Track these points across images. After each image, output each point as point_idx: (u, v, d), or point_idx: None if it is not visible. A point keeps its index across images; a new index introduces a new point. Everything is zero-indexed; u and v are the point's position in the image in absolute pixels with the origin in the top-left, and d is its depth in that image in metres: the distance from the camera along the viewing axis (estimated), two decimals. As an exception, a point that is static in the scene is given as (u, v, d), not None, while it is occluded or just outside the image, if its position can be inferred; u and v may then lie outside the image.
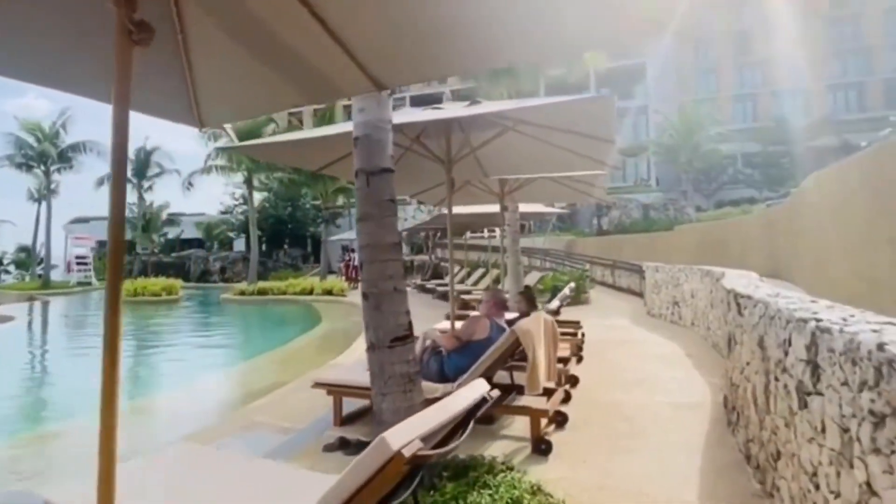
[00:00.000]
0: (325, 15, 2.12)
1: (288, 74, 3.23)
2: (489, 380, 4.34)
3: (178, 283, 22.02)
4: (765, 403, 2.92)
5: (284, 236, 40.10)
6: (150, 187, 31.56)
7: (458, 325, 4.85)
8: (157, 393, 6.89)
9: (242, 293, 19.94)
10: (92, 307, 21.46)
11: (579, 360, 6.77)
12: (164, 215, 40.28)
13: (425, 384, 4.10)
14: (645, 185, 37.57)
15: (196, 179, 30.49)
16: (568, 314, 11.44)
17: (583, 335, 8.03)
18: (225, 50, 3.14)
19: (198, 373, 8.23)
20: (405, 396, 3.24)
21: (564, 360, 5.61)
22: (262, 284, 20.26)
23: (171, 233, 43.47)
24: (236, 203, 38.84)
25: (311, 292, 19.12)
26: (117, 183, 1.60)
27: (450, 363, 4.17)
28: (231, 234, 40.31)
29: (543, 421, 3.91)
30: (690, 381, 5.86)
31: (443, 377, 4.16)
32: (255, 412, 5.02)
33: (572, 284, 8.53)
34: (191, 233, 42.05)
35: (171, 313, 17.86)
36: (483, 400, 1.97)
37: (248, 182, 22.81)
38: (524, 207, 12.03)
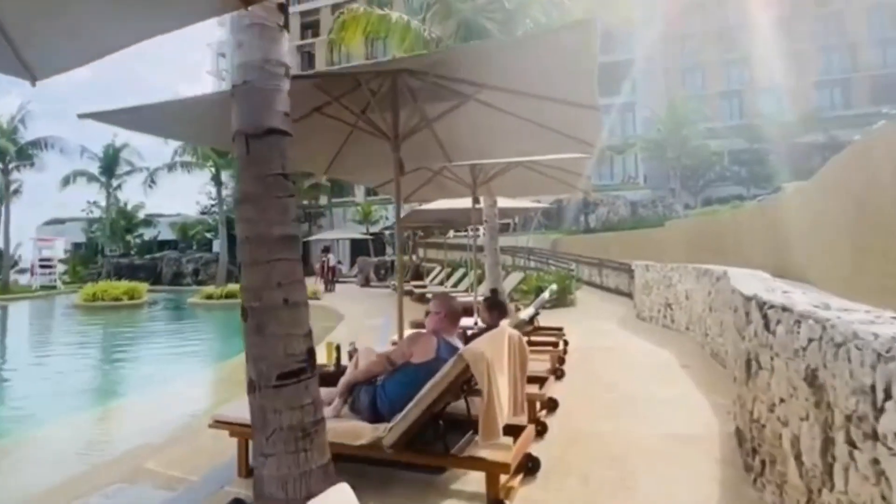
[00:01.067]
0: None
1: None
2: (437, 415, 3.35)
3: (143, 286, 20.74)
4: (822, 469, 1.96)
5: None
6: (119, 186, 30.16)
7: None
8: (51, 422, 5.79)
9: (210, 297, 18.77)
10: (43, 314, 20.20)
11: (560, 375, 5.80)
12: (140, 215, 38.86)
13: (350, 426, 3.11)
14: (633, 182, 36.83)
15: (173, 178, 29.23)
16: (551, 318, 10.50)
17: (565, 344, 7.09)
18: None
19: (114, 395, 7.13)
20: (296, 459, 2.24)
21: (541, 381, 4.64)
22: (231, 287, 19.10)
23: (148, 234, 42.04)
24: (213, 202, 37.51)
25: (282, 295, 18.02)
26: None
27: (383, 396, 3.17)
28: (208, 235, 38.97)
29: (504, 475, 2.92)
30: (690, 402, 4.91)
31: (376, 414, 3.17)
32: (149, 454, 3.99)
33: (553, 287, 7.59)
34: (169, 234, 40.62)
35: (126, 319, 16.66)
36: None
37: (216, 179, 21.56)
38: (504, 202, 11.06)
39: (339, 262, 33.86)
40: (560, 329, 7.65)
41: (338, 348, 4.54)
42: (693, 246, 10.86)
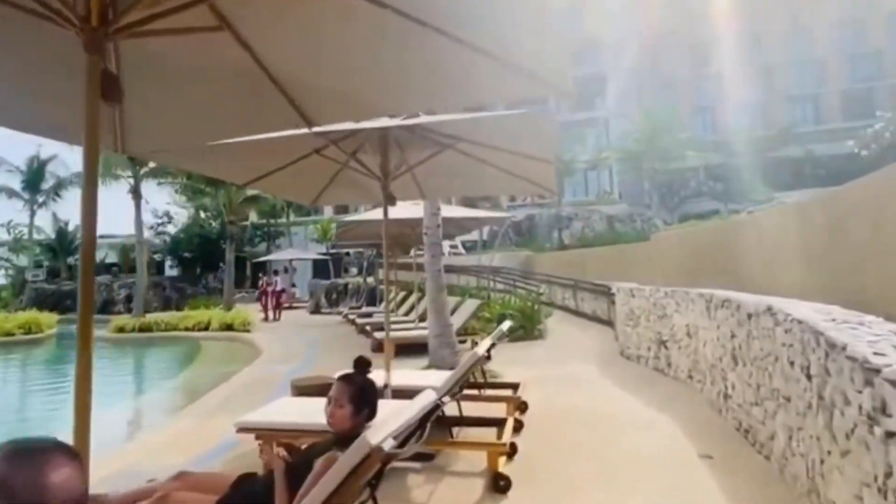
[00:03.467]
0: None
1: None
2: None
3: (51, 317, 17.73)
4: None
5: (217, 258, 36.30)
6: (43, 203, 26.94)
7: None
8: None
9: (122, 330, 15.91)
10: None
11: (504, 488, 3.42)
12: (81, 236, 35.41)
13: None
14: (608, 198, 35.05)
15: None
16: (510, 358, 8.15)
17: (521, 409, 4.75)
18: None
19: None
20: None
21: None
22: (148, 319, 16.30)
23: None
24: (160, 221, 34.55)
25: (206, 327, 15.38)
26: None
27: None
28: (156, 258, 35.95)
29: None
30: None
31: None
32: None
33: (505, 326, 5.22)
34: (113, 257, 37.32)
35: (8, 361, 13.74)
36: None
37: (134, 192, 18.73)
38: (451, 212, 8.74)
39: (294, 286, 31.11)
40: (514, 386, 5.31)
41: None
42: (690, 263, 8.62)
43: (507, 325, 5.42)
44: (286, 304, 25.92)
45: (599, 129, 40.65)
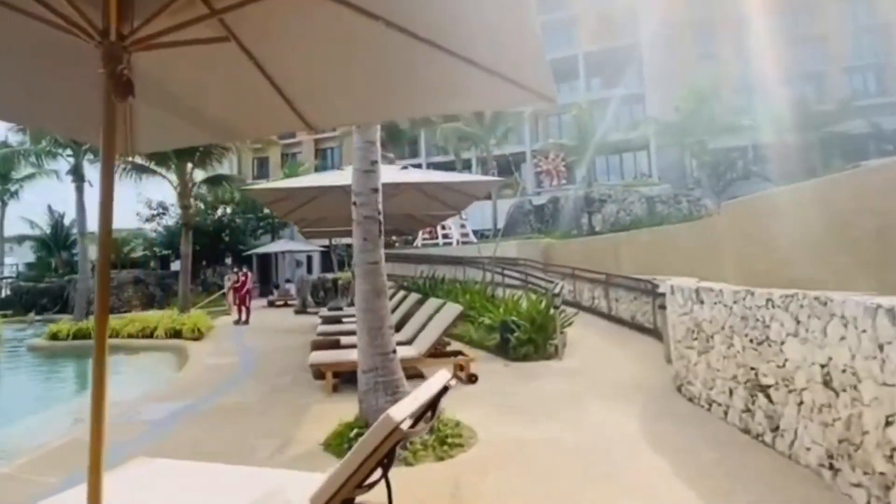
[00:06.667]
0: None
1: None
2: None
3: (-3, 318, 15.39)
4: None
5: (221, 252, 34.20)
6: (16, 193, 24.59)
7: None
8: None
9: (55, 336, 13.37)
10: None
11: None
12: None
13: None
14: (646, 180, 31.13)
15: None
16: (498, 403, 4.99)
17: None
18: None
19: None
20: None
21: None
22: (86, 324, 13.64)
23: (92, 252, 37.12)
24: (154, 212, 32.26)
25: (152, 333, 12.69)
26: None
27: None
28: (149, 252, 33.80)
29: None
30: None
31: None
32: None
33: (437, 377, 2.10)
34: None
35: None
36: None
37: (75, 172, 15.91)
38: (405, 176, 5.53)
39: (288, 282, 28.48)
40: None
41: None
42: (801, 249, 5.11)
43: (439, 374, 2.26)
44: (280, 302, 23.26)
45: (635, 106, 36.81)
